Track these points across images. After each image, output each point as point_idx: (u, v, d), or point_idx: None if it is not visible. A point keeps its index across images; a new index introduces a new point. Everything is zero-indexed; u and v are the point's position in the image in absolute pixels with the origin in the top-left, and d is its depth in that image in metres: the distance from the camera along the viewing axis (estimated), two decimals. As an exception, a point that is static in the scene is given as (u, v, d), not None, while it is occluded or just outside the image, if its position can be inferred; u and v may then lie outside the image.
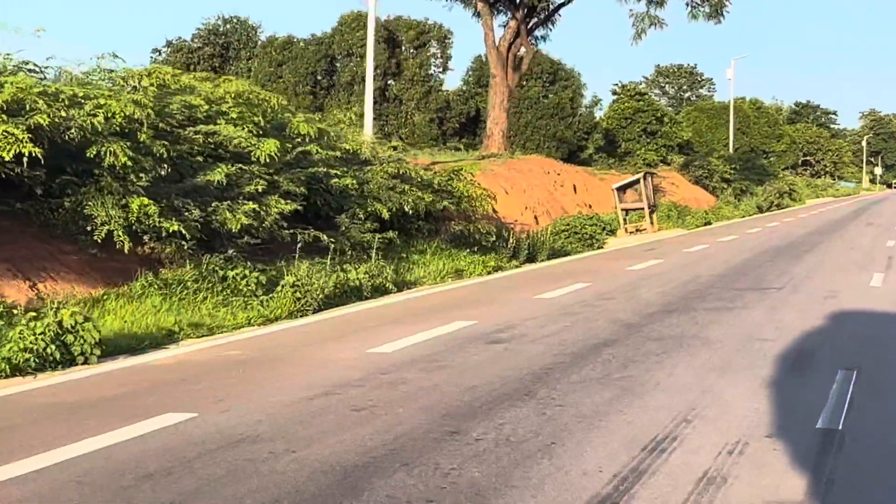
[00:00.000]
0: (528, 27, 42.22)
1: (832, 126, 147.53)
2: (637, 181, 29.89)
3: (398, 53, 70.91)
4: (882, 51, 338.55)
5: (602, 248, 26.93)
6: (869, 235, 29.08)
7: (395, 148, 23.94)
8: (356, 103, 68.73)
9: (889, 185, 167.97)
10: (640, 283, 16.62)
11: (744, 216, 46.68)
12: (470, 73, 72.32)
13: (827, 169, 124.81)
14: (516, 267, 21.58)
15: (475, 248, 21.11)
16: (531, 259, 23.27)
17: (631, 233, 29.29)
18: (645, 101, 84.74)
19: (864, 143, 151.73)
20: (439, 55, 70.21)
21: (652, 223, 30.43)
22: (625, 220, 30.11)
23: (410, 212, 19.20)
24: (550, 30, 44.23)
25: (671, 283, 16.27)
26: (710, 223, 39.64)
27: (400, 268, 18.12)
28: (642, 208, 29.73)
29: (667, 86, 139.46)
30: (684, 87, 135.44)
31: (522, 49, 42.14)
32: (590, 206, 33.69)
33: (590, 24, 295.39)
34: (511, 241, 22.11)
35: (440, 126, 71.06)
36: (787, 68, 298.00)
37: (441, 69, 70.35)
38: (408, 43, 71.19)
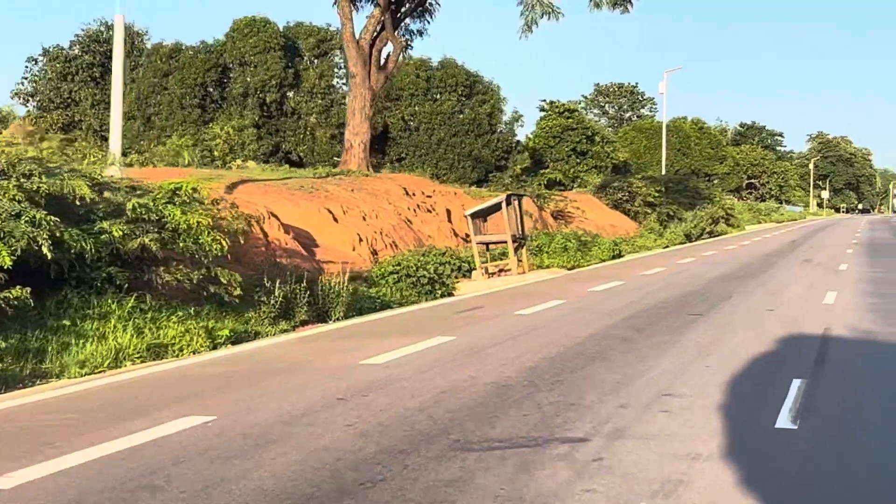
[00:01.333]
0: (396, 18, 35.28)
1: (778, 148, 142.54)
2: (498, 206, 22.85)
3: (297, 63, 63.98)
4: (829, 74, 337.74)
5: (451, 295, 19.94)
6: (802, 282, 21.88)
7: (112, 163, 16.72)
8: (249, 116, 61.95)
9: (837, 210, 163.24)
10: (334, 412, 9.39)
11: (667, 246, 40.03)
12: (378, 85, 65.51)
13: (772, 192, 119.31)
14: (285, 331, 14.56)
15: (212, 306, 14.05)
16: (322, 318, 16.25)
17: (492, 274, 22.29)
18: (575, 119, 78.80)
19: (811, 166, 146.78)
20: (343, 65, 63.30)
21: (520, 261, 23.39)
22: (483, 257, 23.09)
23: (76, 254, 12.13)
24: (427, 22, 37.30)
25: (379, 418, 9.08)
26: (620, 255, 32.89)
27: (52, 344, 11.16)
28: (505, 242, 22.63)
29: (606, 105, 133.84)
30: (625, 107, 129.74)
31: (389, 45, 35.13)
32: (466, 237, 26.71)
33: (523, 41, 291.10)
34: (278, 292, 15.08)
35: (343, 142, 63.95)
36: (733, 90, 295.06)
37: (345, 80, 63.28)
38: (308, 51, 64.21)
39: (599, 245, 31.75)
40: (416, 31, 37.76)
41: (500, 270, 22.49)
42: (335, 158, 61.77)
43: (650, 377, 9.10)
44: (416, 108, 63.61)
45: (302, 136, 62.68)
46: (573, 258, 28.17)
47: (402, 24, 36.40)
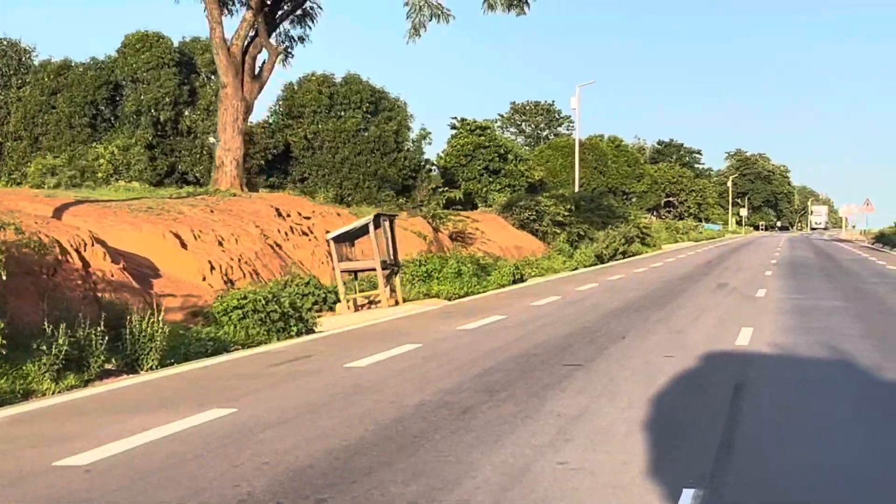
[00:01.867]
0: (272, 22, 32.29)
1: (696, 166, 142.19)
2: (365, 228, 19.87)
3: (193, 79, 60.56)
4: (748, 92, 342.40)
5: (311, 331, 16.95)
6: (714, 313, 18.98)
7: None
8: (142, 136, 58.30)
9: (756, 227, 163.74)
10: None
11: (576, 268, 37.57)
12: (280, 101, 62.49)
13: (690, 210, 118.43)
14: (74, 388, 11.64)
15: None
16: (133, 367, 13.31)
17: (361, 306, 19.33)
18: (486, 137, 76.53)
19: (729, 184, 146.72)
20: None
21: (392, 291, 20.47)
22: (354, 286, 20.11)
23: None
24: (309, 28, 34.34)
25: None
26: (522, 280, 30.27)
27: None
28: (373, 269, 19.61)
29: (523, 124, 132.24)
30: (542, 126, 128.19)
31: (265, 52, 32.10)
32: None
33: (439, 60, 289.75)
34: (62, 339, 12.07)
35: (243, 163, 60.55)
36: (651, 108, 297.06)
37: (243, 97, 59.91)
38: (204, 67, 60.76)
39: (500, 269, 29.10)
40: (296, 38, 34.83)
41: (370, 302, 19.56)
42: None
43: (463, 492, 6.14)
44: (320, 126, 60.61)
45: (198, 155, 59.14)
46: (467, 284, 25.41)
47: (280, 29, 33.45)
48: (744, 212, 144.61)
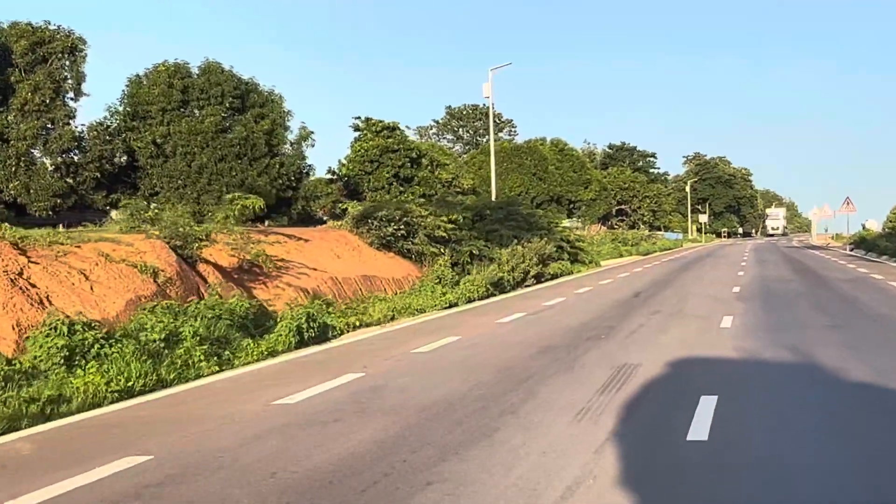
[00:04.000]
0: None
1: (651, 170, 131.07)
2: None
3: (8, 73, 48.37)
4: (704, 95, 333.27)
5: None
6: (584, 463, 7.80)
7: None
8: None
9: (718, 234, 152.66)
10: None
11: (455, 304, 25.88)
12: (124, 99, 50.28)
13: (645, 218, 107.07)
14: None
15: None
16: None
17: None
18: (396, 139, 64.75)
19: (688, 189, 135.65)
20: (69, 75, 47.99)
21: None
22: None
23: None
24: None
25: None
26: (337, 336, 18.46)
27: None
28: None
29: (461, 129, 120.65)
30: (481, 131, 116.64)
31: None
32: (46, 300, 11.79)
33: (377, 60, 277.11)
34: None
35: (74, 176, 48.26)
36: (602, 112, 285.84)
37: (72, 94, 47.72)
38: (20, 57, 48.45)
39: (288, 321, 17.23)
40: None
41: None
42: (57, 199, 46.36)
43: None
44: (170, 128, 48.43)
45: (14, 168, 46.71)
46: (170, 370, 13.49)
47: None
48: (703, 218, 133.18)
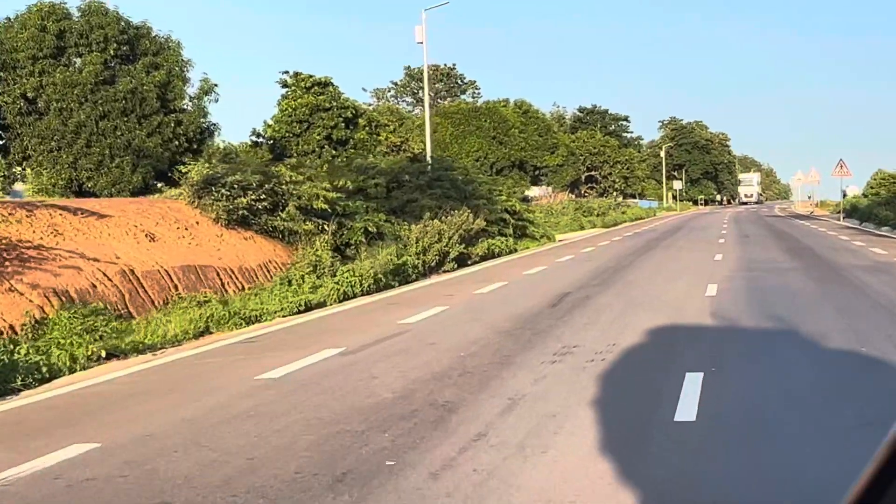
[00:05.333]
0: None
1: (624, 134, 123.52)
2: None
3: None
4: (679, 58, 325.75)
5: None
6: None
7: None
8: None
9: (695, 202, 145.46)
10: None
11: (323, 302, 18.47)
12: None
13: (616, 185, 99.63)
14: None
15: None
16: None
17: None
18: (329, 96, 57.11)
19: (662, 154, 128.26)
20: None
21: None
22: None
23: None
24: None
25: None
26: (27, 387, 10.86)
27: None
28: None
29: (420, 91, 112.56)
30: (442, 93, 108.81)
31: None
32: None
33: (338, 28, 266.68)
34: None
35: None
36: (573, 76, 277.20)
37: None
38: None
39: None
40: None
41: None
42: None
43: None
44: (43, 80, 40.59)
45: None
46: None
47: None
48: (677, 185, 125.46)
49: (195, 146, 42.73)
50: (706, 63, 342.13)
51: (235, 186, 21.21)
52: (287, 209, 22.12)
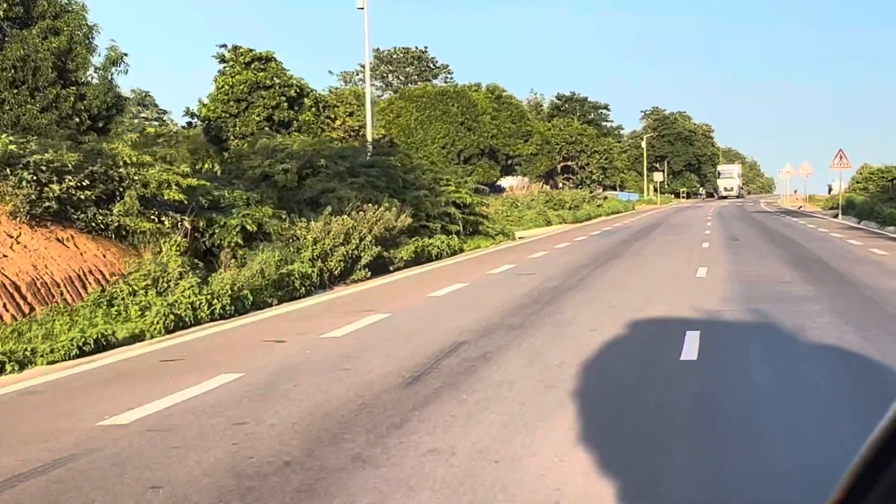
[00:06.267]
0: None
1: (604, 123, 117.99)
2: None
3: None
4: (664, 49, 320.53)
5: None
6: None
7: None
8: None
9: (677, 195, 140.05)
10: None
11: (142, 335, 12.62)
12: None
13: (594, 176, 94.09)
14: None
15: None
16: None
17: None
18: (270, 72, 51.51)
19: (644, 144, 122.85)
20: None
21: None
22: None
23: None
24: None
25: None
26: None
27: None
28: None
29: (390, 75, 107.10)
30: (413, 76, 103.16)
31: None
32: None
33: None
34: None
35: None
36: (553, 64, 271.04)
37: None
38: None
39: None
40: None
41: None
42: None
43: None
44: (-82, 44, 34.74)
45: None
46: None
47: None
48: (658, 176, 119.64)
49: (101, 124, 36.95)
50: (691, 53, 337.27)
51: (45, 169, 15.50)
52: (124, 200, 16.41)
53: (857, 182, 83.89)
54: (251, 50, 50.83)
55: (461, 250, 30.16)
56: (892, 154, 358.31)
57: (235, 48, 51.34)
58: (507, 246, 33.94)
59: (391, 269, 22.94)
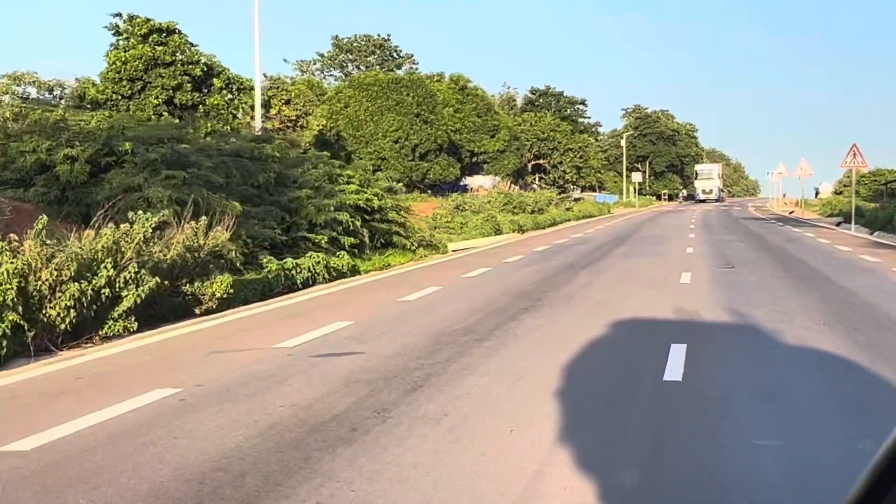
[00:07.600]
0: None
1: (581, 120, 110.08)
2: None
3: None
4: (643, 47, 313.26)
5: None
6: None
7: None
8: None
9: (658, 197, 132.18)
10: None
11: None
12: None
13: (567, 176, 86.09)
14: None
15: None
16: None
17: None
18: (171, 47, 43.61)
19: (623, 143, 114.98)
20: None
21: None
22: None
23: None
24: None
25: None
26: None
27: None
28: None
29: (349, 64, 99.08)
30: (374, 66, 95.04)
31: None
32: None
33: None
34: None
35: None
36: (531, 58, 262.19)
37: None
38: None
39: None
40: None
41: None
42: None
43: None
44: None
45: None
46: None
47: None
48: (636, 177, 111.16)
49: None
50: (675, 53, 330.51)
51: None
52: None
53: (845, 185, 78.09)
54: (149, 20, 42.69)
55: (358, 271, 22.17)
56: (880, 158, 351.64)
57: (132, 18, 43.20)
58: (427, 264, 25.97)
59: (196, 312, 14.84)
